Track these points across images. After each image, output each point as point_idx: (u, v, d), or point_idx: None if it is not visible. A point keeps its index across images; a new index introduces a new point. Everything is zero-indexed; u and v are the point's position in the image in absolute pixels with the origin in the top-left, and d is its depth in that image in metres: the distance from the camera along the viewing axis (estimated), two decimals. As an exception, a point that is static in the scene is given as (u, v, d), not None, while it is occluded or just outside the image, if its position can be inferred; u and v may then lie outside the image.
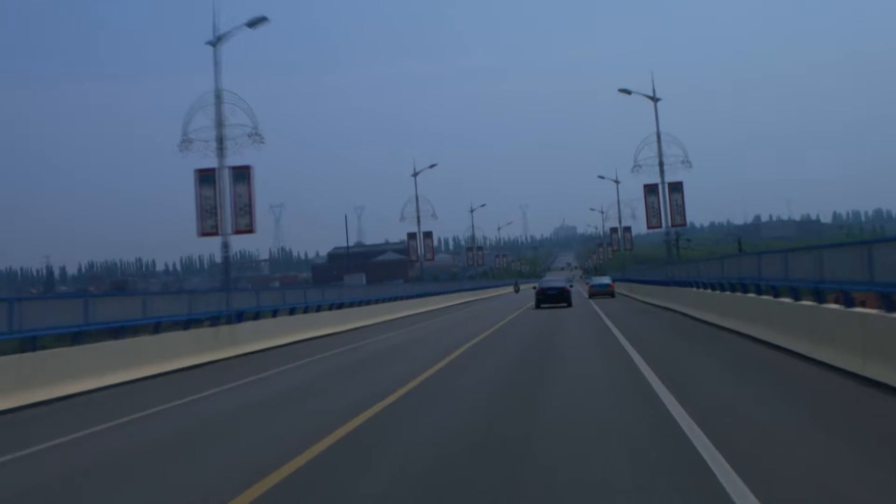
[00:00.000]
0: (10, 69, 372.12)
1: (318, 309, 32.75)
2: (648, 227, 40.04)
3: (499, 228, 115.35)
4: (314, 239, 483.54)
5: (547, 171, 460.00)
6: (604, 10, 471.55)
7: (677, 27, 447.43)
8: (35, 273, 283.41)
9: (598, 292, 55.24)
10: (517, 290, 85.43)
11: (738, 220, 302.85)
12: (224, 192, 25.10)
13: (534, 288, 48.82)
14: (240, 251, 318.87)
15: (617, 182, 62.69)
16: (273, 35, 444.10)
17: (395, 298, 46.46)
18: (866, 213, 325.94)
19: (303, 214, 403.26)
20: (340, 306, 35.83)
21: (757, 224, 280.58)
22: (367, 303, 40.59)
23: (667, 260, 38.44)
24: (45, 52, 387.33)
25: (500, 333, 25.23)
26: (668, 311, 33.30)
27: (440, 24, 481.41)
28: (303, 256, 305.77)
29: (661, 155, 36.40)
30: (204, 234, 25.25)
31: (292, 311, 29.87)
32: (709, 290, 26.02)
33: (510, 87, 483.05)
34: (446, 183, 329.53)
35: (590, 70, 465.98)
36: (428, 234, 55.38)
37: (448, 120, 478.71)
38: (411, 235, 55.14)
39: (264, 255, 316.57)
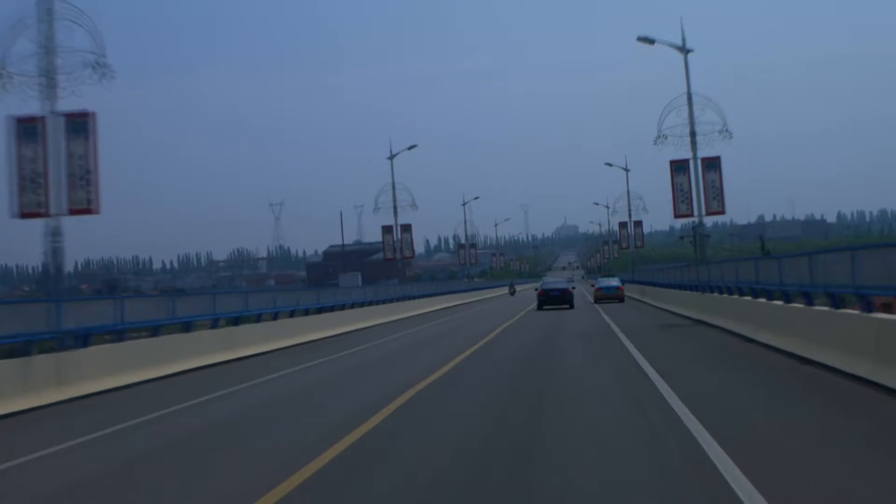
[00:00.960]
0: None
1: (237, 322, 24.16)
2: (676, 216, 29.67)
3: (496, 225, 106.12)
4: (315, 237, 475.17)
5: (549, 170, 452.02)
6: (606, 9, 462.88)
7: (678, 24, 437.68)
8: (31, 270, 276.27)
9: (605, 296, 46.61)
10: (513, 293, 73.91)
11: (741, 220, 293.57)
12: (56, 151, 16.38)
13: (535, 289, 46.96)
14: (237, 249, 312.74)
15: (626, 170, 53.95)
16: (275, 33, 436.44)
17: (359, 304, 37.67)
18: (871, 213, 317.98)
19: (304, 213, 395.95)
20: (276, 316, 27.22)
21: (761, 223, 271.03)
22: (318, 311, 31.87)
23: (698, 257, 29.58)
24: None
25: (443, 390, 15.05)
26: (702, 325, 24.62)
27: (441, 24, 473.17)
28: (301, 255, 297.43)
29: (692, 122, 27.22)
30: (24, 214, 16.60)
31: (187, 328, 21.23)
32: (775, 302, 17.36)
33: (512, 88, 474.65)
34: (448, 182, 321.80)
35: (593, 69, 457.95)
36: (406, 228, 46.40)
37: (449, 119, 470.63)
38: (386, 229, 46.26)
39: (262, 254, 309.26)
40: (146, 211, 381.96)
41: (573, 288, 47.59)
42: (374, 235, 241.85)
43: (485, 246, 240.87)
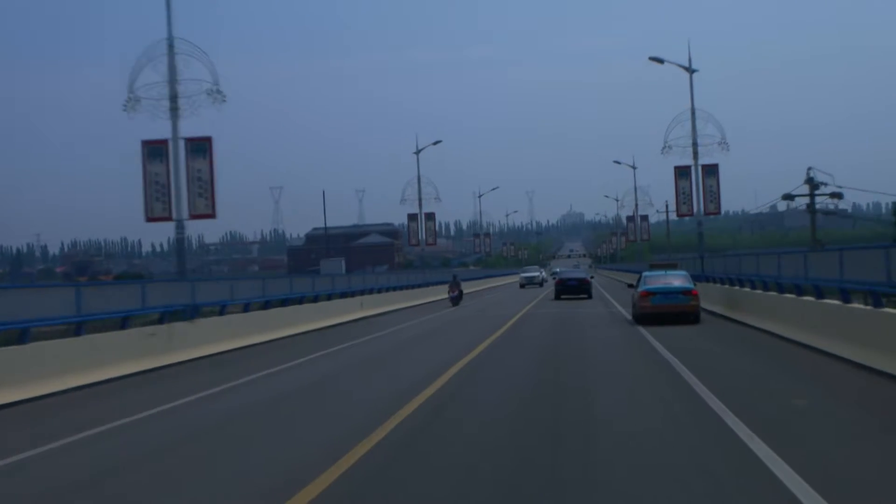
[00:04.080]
0: (5, 49, 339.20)
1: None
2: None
3: (479, 196, 78.21)
4: (315, 222, 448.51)
5: (554, 158, 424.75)
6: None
7: (682, 17, 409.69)
8: (14, 252, 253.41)
9: (663, 309, 20.82)
10: (456, 297, 36.34)
11: (752, 210, 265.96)
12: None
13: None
14: (230, 232, 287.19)
15: (691, 71, 27.80)
16: (277, 18, 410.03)
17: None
18: (887, 204, 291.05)
19: (306, 197, 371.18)
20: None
21: (775, 213, 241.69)
22: None
23: None
24: (43, 34, 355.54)
25: None
26: None
27: (447, 12, 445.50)
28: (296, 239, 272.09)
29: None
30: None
31: None
32: None
33: (515, 76, 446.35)
34: (451, 167, 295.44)
35: (597, 57, 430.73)
36: (201, 145, 19.50)
37: (454, 106, 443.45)
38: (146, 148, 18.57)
39: (257, 238, 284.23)
40: (134, 190, 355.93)
41: (592, 277, 44.09)
42: (372, 219, 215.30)
43: (491, 233, 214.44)
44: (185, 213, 19.98)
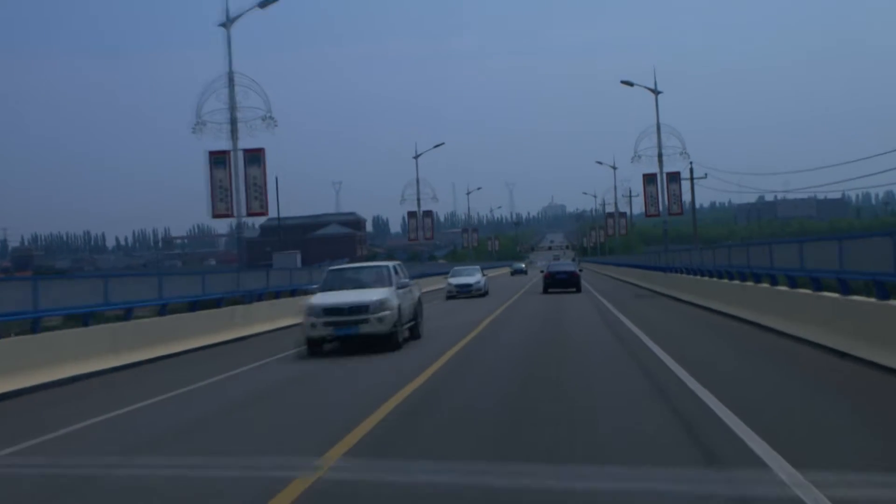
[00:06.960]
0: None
1: None
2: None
3: (415, 156, 56.21)
4: (293, 211, 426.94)
5: (536, 150, 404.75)
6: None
7: (681, 12, 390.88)
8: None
9: None
10: None
11: (738, 200, 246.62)
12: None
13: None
14: (197, 225, 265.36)
15: None
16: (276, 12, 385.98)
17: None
18: (877, 194, 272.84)
19: (290, 189, 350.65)
20: None
21: (764, 203, 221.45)
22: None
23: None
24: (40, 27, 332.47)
25: None
26: None
27: (429, 4, 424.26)
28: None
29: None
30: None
31: None
32: None
33: (496, 67, 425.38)
34: (428, 159, 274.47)
35: (585, 51, 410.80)
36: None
37: (439, 98, 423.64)
38: None
39: (224, 231, 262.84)
40: (108, 184, 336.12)
41: (580, 271, 39.58)
42: (350, 211, 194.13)
43: (467, 223, 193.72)
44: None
